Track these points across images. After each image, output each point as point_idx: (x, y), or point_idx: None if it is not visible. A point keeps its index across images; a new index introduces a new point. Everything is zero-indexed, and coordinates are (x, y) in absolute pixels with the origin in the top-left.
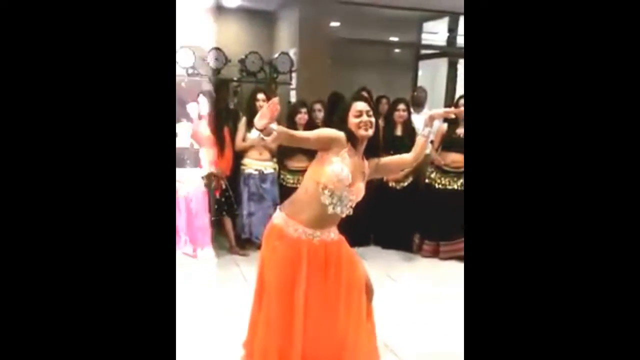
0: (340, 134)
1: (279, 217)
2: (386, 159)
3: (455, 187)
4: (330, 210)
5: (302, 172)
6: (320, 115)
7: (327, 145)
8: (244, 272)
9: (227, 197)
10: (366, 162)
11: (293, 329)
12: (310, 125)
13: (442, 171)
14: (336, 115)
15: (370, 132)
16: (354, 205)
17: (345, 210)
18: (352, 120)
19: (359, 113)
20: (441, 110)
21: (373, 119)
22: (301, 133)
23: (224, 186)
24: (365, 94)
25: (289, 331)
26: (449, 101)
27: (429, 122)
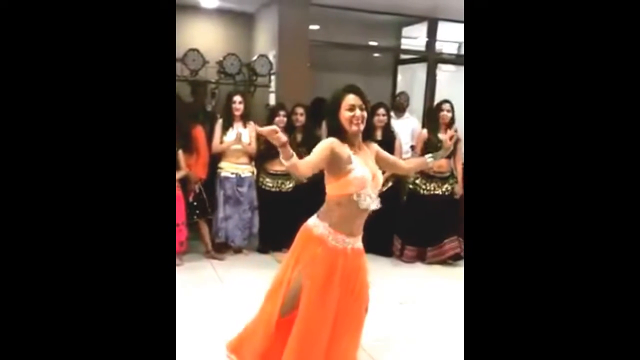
0: (331, 140)
1: (320, 226)
2: (384, 154)
3: (441, 192)
4: (369, 210)
5: (283, 175)
6: (302, 119)
7: (332, 157)
8: (221, 276)
9: (200, 201)
10: (365, 147)
11: (322, 334)
12: (290, 128)
13: (428, 177)
14: (326, 108)
15: (362, 127)
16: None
17: (377, 204)
18: (345, 114)
19: (352, 107)
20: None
21: (365, 114)
22: (312, 159)
23: (197, 190)
24: None
25: (320, 335)
26: (428, 105)
27: (448, 144)
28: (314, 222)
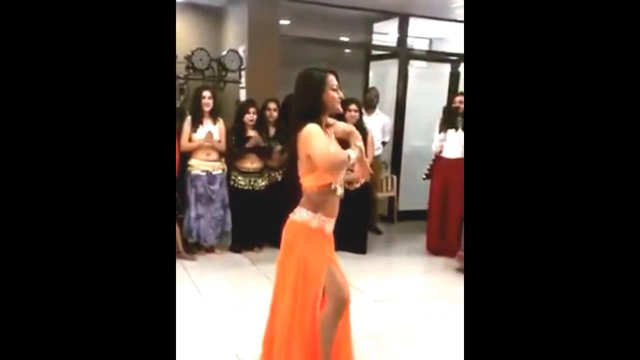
0: (318, 127)
1: (315, 219)
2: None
3: None
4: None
5: (255, 173)
6: (275, 114)
7: None
8: (193, 277)
9: None
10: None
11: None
12: (261, 123)
13: None
14: (306, 87)
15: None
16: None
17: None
18: (331, 94)
19: (337, 87)
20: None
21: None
22: (326, 149)
23: None
24: None
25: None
26: (400, 102)
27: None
28: (306, 216)
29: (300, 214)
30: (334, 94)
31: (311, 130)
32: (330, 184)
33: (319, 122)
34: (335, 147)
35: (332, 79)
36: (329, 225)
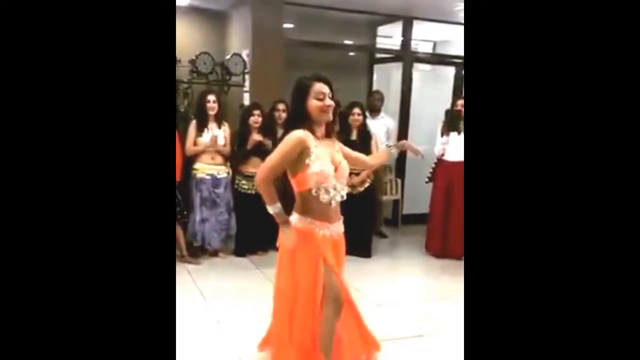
0: (299, 134)
1: (302, 220)
2: (346, 150)
3: None
4: (333, 203)
5: None
6: (283, 115)
7: (296, 153)
8: (197, 281)
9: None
10: (328, 139)
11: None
12: (268, 126)
13: None
14: (292, 95)
15: (331, 116)
16: (346, 182)
17: (344, 194)
18: (314, 103)
19: (322, 95)
20: (413, 146)
21: (333, 103)
22: (271, 163)
23: None
24: None
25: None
26: (404, 105)
27: (398, 147)
28: (292, 219)
29: (292, 216)
30: (317, 103)
31: (287, 139)
32: (311, 190)
33: (309, 130)
34: (324, 157)
35: (318, 88)
36: (326, 229)
